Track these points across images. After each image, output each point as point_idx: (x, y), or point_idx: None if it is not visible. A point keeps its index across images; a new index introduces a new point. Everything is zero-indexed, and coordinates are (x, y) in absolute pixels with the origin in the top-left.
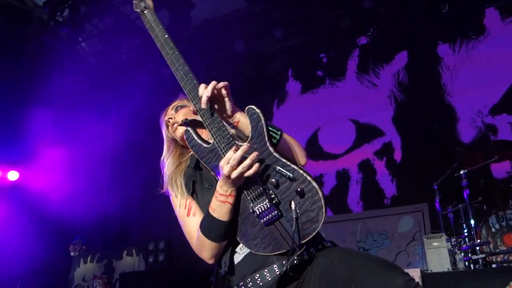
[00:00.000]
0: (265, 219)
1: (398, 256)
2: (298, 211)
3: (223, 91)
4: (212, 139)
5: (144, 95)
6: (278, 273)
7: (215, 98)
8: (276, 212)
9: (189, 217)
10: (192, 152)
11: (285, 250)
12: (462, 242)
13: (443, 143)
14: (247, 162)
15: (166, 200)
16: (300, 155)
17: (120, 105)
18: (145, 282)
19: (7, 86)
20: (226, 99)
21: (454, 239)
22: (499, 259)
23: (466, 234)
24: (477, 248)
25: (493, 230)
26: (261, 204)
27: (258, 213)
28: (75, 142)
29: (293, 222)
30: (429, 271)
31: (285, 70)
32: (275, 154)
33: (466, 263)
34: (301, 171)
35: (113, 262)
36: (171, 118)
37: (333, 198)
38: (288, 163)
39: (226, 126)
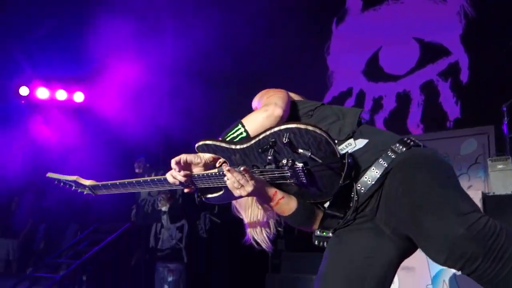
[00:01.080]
0: (303, 179)
1: (459, 179)
2: (306, 149)
3: (180, 164)
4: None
5: (201, 17)
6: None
7: (184, 169)
8: (299, 167)
9: None
10: None
11: (342, 174)
12: None
13: None
14: (234, 174)
15: (225, 120)
16: (268, 117)
17: (178, 24)
18: None
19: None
20: (188, 159)
21: None
22: None
23: None
24: None
25: None
26: (289, 176)
27: (296, 182)
28: (137, 60)
29: (314, 158)
30: (491, 194)
31: None
32: (244, 146)
33: None
34: (268, 132)
35: None
36: None
37: (392, 120)
38: (258, 138)
39: (208, 172)
